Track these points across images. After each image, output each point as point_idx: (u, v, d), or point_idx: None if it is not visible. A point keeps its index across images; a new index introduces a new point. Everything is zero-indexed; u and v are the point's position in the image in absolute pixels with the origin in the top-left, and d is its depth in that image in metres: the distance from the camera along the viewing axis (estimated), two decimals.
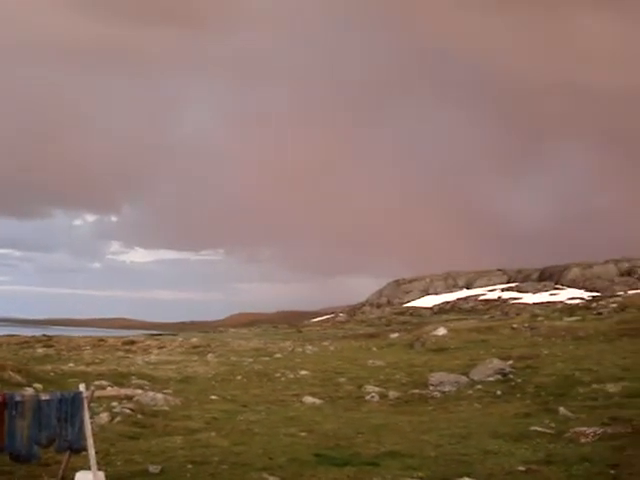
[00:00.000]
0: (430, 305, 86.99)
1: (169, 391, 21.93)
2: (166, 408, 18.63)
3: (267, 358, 33.23)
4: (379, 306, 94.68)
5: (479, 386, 22.07)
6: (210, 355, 35.05)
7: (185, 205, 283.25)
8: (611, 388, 19.49)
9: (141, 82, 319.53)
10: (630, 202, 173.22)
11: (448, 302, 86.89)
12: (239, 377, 26.56)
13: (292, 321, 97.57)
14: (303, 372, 27.12)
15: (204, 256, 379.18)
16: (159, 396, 19.72)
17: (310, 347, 38.02)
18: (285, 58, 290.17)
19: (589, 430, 13.97)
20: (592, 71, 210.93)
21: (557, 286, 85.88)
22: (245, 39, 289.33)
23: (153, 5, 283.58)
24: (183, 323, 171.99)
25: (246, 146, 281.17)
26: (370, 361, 29.49)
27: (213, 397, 21.44)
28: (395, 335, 42.73)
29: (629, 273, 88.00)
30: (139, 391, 20.30)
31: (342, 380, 25.01)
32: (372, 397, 21.27)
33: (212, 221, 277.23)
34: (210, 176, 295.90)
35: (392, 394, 21.49)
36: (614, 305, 44.66)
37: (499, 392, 21.02)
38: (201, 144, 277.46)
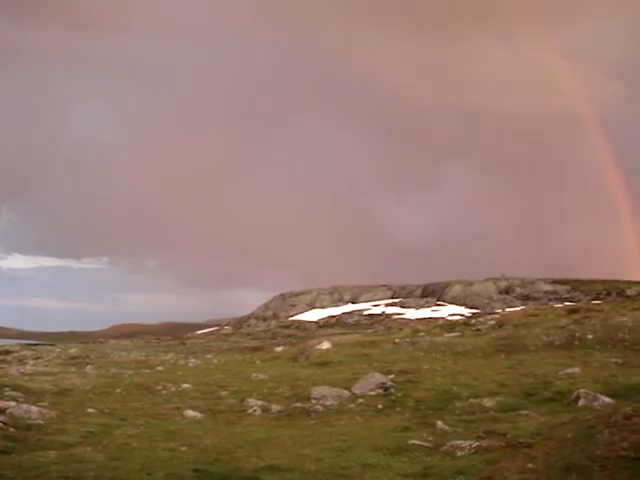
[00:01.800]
0: (316, 319, 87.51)
1: (44, 404, 21.18)
2: (40, 421, 17.97)
3: (148, 370, 32.59)
4: (265, 319, 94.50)
5: (361, 400, 22.30)
6: (89, 367, 34.09)
7: (68, 210, 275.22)
8: (487, 402, 20.10)
9: (28, 82, 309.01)
10: (511, 224, 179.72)
11: (333, 316, 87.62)
12: (118, 390, 25.92)
13: (176, 333, 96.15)
14: (185, 385, 26.71)
15: (86, 264, 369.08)
16: (33, 409, 19.01)
17: (193, 360, 37.53)
18: (177, 63, 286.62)
19: (465, 443, 14.33)
20: (481, 95, 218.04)
21: (439, 302, 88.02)
22: (136, 42, 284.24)
23: (42, 4, 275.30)
24: (62, 333, 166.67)
25: (135, 151, 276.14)
26: (254, 374, 29.36)
27: (90, 410, 20.82)
28: (280, 348, 42.70)
29: (507, 291, 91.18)
30: (12, 403, 19.50)
31: (224, 393, 24.77)
32: (254, 411, 21.15)
33: (96, 228, 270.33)
34: (96, 181, 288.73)
35: (274, 408, 21.43)
36: (492, 322, 45.98)
37: (380, 406, 21.31)
38: (88, 147, 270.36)
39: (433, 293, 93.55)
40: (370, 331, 59.88)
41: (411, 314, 79.70)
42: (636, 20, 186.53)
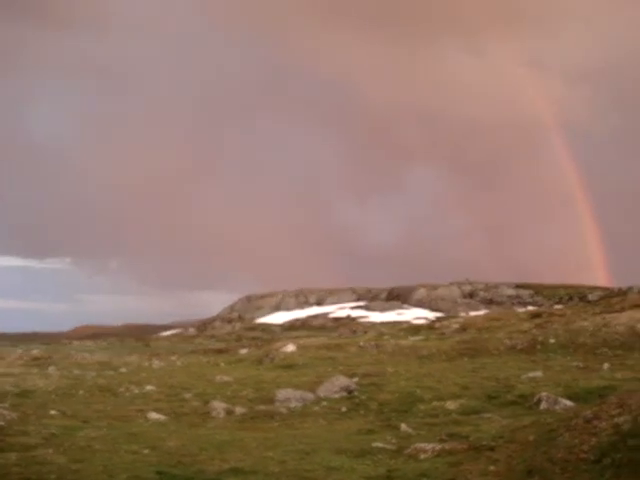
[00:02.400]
0: (281, 321, 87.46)
1: (5, 405, 20.92)
2: (1, 423, 17.77)
3: (112, 372, 32.32)
4: (230, 321, 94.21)
5: (325, 403, 22.35)
6: (51, 368, 33.69)
7: (31, 210, 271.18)
8: (450, 405, 20.26)
9: None
10: (474, 228, 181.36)
11: (299, 319, 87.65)
12: (81, 392, 25.67)
13: (140, 335, 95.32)
14: (148, 387, 26.54)
15: (49, 264, 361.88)
16: None
17: (157, 362, 37.28)
18: (145, 64, 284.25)
19: (428, 446, 14.44)
20: (447, 100, 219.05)
21: (404, 306, 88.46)
22: (102, 42, 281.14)
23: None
24: (25, 334, 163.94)
25: (99, 151, 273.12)
26: (218, 377, 29.25)
27: (52, 412, 20.61)
28: (245, 351, 42.62)
29: (471, 295, 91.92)
30: None
31: (188, 396, 24.66)
32: (218, 413, 21.09)
33: (59, 228, 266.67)
34: (59, 181, 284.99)
35: (238, 410, 21.40)
36: (456, 326, 46.38)
37: (344, 409, 21.37)
38: (51, 146, 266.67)
39: (398, 297, 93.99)
40: (335, 334, 59.97)
41: (376, 317, 79.97)
42: (598, 26, 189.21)
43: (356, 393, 23.44)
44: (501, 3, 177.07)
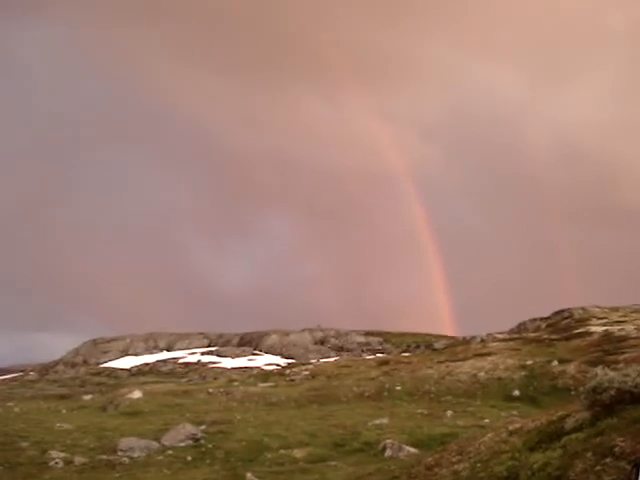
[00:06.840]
0: (128, 366, 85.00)
1: None
2: None
3: None
4: (74, 366, 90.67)
5: (170, 451, 21.78)
6: None
7: None
8: (297, 453, 20.24)
9: None
10: (327, 275, 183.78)
11: (147, 364, 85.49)
12: None
13: None
14: None
15: None
16: None
17: None
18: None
19: None
20: (303, 148, 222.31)
21: (255, 352, 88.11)
22: None
23: None
24: None
25: None
26: (58, 424, 27.93)
27: None
28: (88, 397, 41.06)
29: (322, 342, 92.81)
30: None
31: (25, 444, 23.34)
32: (56, 463, 20.11)
33: None
34: None
35: (78, 460, 20.48)
36: (306, 372, 46.56)
37: (190, 457, 20.90)
38: None
39: (250, 342, 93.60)
40: (184, 380, 58.97)
41: (227, 363, 79.20)
42: (452, 86, 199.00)
43: (203, 441, 23.01)
44: (359, 57, 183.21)
